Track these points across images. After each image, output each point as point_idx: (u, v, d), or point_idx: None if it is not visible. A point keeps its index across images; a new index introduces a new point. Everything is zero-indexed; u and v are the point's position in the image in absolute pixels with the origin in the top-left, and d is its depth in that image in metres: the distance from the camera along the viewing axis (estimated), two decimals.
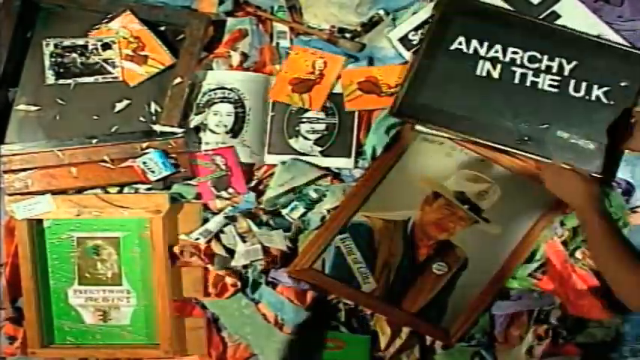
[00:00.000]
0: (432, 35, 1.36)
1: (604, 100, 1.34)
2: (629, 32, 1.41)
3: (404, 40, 1.41)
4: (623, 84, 1.33)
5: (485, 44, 1.36)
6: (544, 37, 1.36)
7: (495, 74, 1.35)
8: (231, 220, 1.39)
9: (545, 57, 1.35)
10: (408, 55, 1.41)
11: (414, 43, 1.41)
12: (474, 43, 1.36)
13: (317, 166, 1.40)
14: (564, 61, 1.35)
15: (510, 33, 1.36)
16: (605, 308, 1.35)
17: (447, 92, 1.34)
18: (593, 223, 1.14)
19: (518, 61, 1.35)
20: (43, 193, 1.37)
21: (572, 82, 1.35)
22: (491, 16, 1.37)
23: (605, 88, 1.34)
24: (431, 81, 1.34)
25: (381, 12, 1.45)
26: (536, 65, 1.35)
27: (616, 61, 1.35)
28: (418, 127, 1.36)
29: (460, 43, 1.36)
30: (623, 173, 1.38)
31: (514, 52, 1.35)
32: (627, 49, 1.37)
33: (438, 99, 1.34)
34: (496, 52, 1.36)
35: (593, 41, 1.36)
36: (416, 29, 1.41)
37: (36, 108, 1.41)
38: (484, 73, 1.35)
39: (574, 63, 1.35)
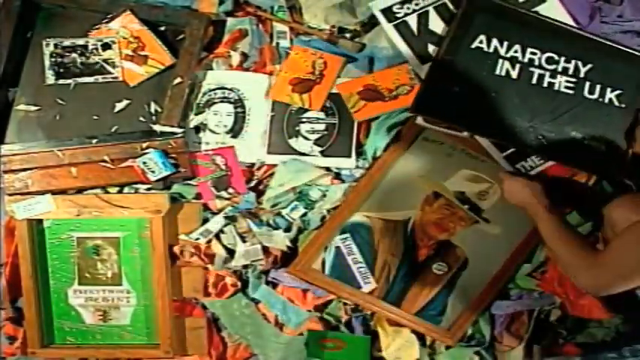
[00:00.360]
0: (454, 33, 1.36)
1: (616, 102, 1.35)
2: (629, 32, 1.41)
3: (387, 12, 1.41)
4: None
5: (506, 44, 1.36)
6: (562, 39, 1.37)
7: (514, 74, 1.35)
8: (231, 220, 1.39)
9: (563, 59, 1.36)
10: (388, 27, 1.40)
11: (398, 16, 1.41)
12: (495, 42, 1.36)
13: (317, 166, 1.40)
14: (580, 64, 1.36)
15: (530, 34, 1.37)
16: (604, 308, 1.35)
17: (466, 90, 1.35)
18: (542, 219, 1.19)
19: (537, 62, 1.36)
20: (43, 193, 1.37)
21: (588, 84, 1.36)
22: (512, 16, 1.37)
23: (617, 92, 1.35)
24: (451, 79, 1.35)
25: None
26: (554, 67, 1.36)
27: (630, 66, 1.36)
28: (423, 124, 1.36)
29: (481, 42, 1.36)
30: None
31: (532, 53, 1.36)
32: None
33: (456, 96, 1.34)
34: (515, 52, 1.36)
35: (608, 45, 1.36)
36: (402, 3, 1.41)
37: (36, 108, 1.41)
38: (503, 73, 1.35)
39: (589, 65, 1.36)
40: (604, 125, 1.34)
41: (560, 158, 1.33)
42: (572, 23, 1.39)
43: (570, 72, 1.36)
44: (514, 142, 1.34)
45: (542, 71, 1.36)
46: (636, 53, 1.36)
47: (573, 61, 1.36)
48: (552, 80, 1.35)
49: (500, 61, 1.36)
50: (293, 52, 1.43)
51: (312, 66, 1.41)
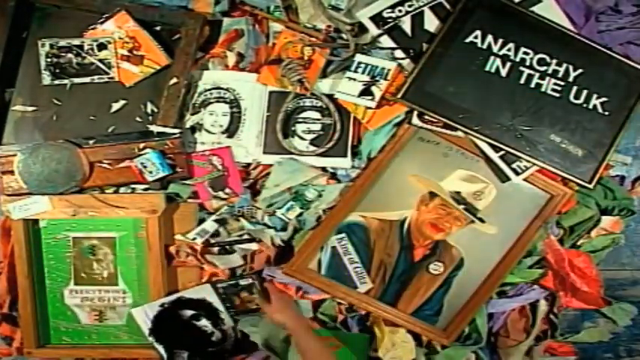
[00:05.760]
0: (450, 25, 1.36)
1: (600, 109, 1.35)
2: (628, 29, 1.40)
3: (377, 17, 1.39)
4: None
5: (500, 41, 1.36)
6: (557, 42, 1.36)
7: (503, 72, 1.35)
8: (221, 223, 1.39)
9: (554, 61, 1.36)
10: (379, 33, 1.39)
11: (389, 20, 1.39)
12: (489, 38, 1.36)
13: (313, 166, 1.39)
14: (571, 68, 1.36)
15: (526, 33, 1.36)
16: (601, 298, 1.37)
17: (454, 84, 1.34)
18: (302, 336, 1.28)
19: (528, 62, 1.35)
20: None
21: (575, 88, 1.35)
22: (511, 15, 1.37)
23: (603, 99, 1.35)
24: (441, 70, 1.34)
25: None
26: (544, 68, 1.35)
27: (619, 75, 1.36)
28: (419, 124, 1.36)
29: (476, 37, 1.36)
30: (619, 171, 1.41)
31: (525, 53, 1.35)
32: (633, 64, 1.37)
33: (444, 89, 1.34)
34: (508, 50, 1.36)
35: (601, 52, 1.36)
36: (393, 7, 1.40)
37: (32, 108, 1.41)
38: (493, 70, 1.35)
39: (580, 70, 1.36)
40: (584, 131, 1.34)
41: (535, 158, 1.33)
42: (567, 23, 1.39)
43: (560, 75, 1.35)
44: (492, 138, 1.33)
45: (532, 72, 1.35)
46: (628, 62, 1.36)
47: (565, 65, 1.36)
48: (540, 82, 1.35)
49: (492, 57, 1.35)
50: (282, 37, 1.43)
51: (300, 52, 1.40)
